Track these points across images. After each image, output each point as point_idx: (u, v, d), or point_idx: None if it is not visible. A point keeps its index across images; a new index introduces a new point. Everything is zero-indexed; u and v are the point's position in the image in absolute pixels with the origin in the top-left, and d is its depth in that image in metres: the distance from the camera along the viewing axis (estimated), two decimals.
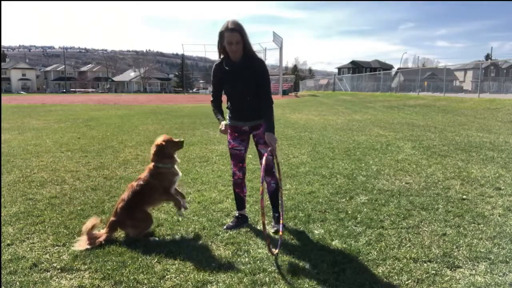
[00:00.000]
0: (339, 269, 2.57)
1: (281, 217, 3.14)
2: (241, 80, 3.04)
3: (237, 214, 3.41)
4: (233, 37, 2.89)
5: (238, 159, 3.28)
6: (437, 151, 6.63)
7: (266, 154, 2.88)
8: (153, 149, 3.10)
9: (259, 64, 3.05)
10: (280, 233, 2.99)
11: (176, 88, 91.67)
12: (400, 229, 3.24)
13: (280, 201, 3.28)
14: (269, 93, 3.10)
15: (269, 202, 3.42)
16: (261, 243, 2.96)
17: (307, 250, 2.85)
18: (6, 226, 3.31)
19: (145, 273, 2.53)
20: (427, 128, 9.85)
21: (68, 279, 2.47)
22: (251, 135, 3.27)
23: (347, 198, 4.06)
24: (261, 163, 3.01)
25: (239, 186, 3.37)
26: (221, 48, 3.02)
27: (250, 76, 3.03)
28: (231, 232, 3.16)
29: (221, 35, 2.94)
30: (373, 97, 25.52)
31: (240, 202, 3.41)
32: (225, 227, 3.25)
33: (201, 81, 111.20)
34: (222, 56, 3.09)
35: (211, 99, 3.24)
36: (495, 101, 15.38)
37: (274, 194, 3.33)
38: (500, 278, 2.46)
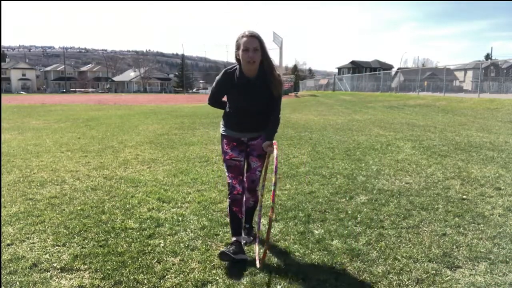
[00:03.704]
0: (339, 269, 2.58)
1: (257, 230, 2.82)
2: (253, 99, 2.78)
3: (233, 240, 2.80)
4: (252, 42, 2.67)
5: (237, 171, 2.86)
6: (437, 151, 6.63)
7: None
8: None
9: (277, 83, 2.76)
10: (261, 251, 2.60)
11: (176, 88, 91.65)
12: (400, 229, 3.24)
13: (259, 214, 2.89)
14: (279, 113, 2.89)
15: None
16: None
17: (307, 250, 2.85)
18: (6, 226, 3.31)
19: (145, 273, 2.53)
20: (427, 128, 9.85)
21: (68, 279, 2.47)
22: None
23: (347, 198, 4.06)
24: (247, 176, 2.93)
25: (238, 204, 2.80)
26: (237, 60, 2.78)
27: (265, 95, 2.79)
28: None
29: (238, 44, 2.72)
30: (373, 97, 25.51)
31: (238, 225, 2.81)
32: (231, 250, 2.65)
33: (201, 81, 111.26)
34: (235, 66, 2.81)
35: (208, 102, 3.04)
36: (495, 101, 15.38)
37: (250, 210, 3.04)
38: (500, 278, 2.46)
